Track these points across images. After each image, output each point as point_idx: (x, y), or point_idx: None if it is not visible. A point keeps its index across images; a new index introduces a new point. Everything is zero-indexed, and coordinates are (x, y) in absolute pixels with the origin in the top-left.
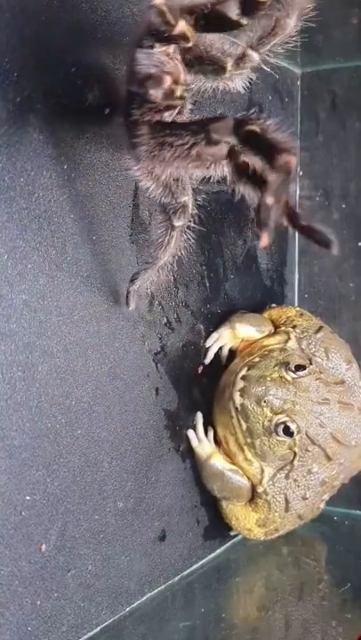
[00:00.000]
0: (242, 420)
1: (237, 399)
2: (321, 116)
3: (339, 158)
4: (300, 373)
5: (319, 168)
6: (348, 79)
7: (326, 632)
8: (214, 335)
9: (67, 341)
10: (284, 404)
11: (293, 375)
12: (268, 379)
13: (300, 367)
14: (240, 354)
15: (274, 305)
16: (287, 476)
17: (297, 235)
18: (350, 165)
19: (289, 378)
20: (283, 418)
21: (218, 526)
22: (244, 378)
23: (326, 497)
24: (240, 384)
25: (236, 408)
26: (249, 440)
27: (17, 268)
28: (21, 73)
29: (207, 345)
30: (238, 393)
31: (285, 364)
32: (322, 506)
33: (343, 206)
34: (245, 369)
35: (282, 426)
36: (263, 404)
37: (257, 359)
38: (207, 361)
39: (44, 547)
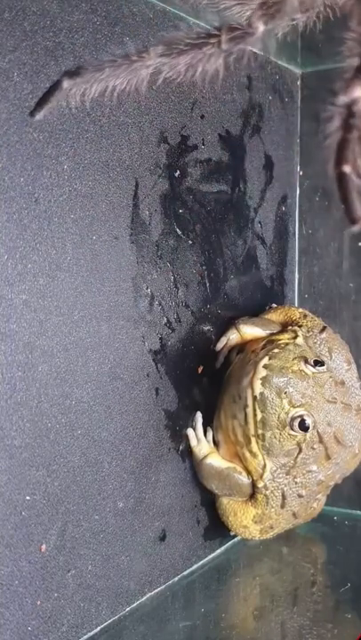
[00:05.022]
0: (258, 410)
1: (258, 387)
2: (321, 116)
3: None
4: (320, 369)
5: (319, 168)
6: None
7: (324, 634)
8: (223, 339)
9: (67, 341)
10: (303, 397)
11: (313, 370)
12: (290, 370)
13: (318, 362)
14: (249, 347)
15: (274, 305)
16: (288, 473)
17: (297, 235)
18: None
19: (309, 372)
20: (300, 411)
21: (218, 526)
22: (266, 367)
23: (320, 497)
24: (262, 372)
25: (255, 397)
26: (260, 431)
27: (17, 268)
28: (21, 73)
29: (217, 349)
30: (260, 381)
31: (304, 359)
32: (315, 505)
33: (343, 206)
34: (267, 358)
35: (298, 419)
36: (283, 395)
37: (276, 350)
38: (218, 365)
39: (44, 547)
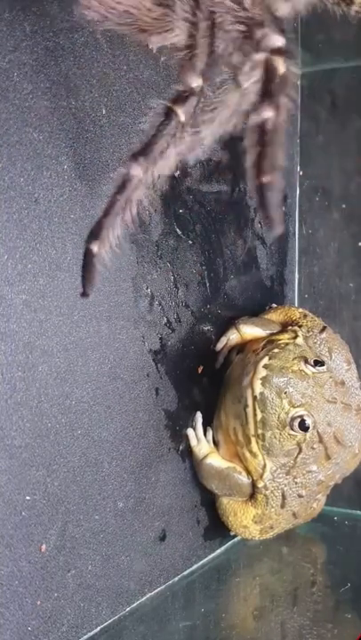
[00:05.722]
0: (258, 410)
1: (258, 387)
2: (321, 116)
3: (339, 158)
4: (320, 369)
5: (319, 168)
6: (348, 79)
7: (324, 634)
8: (223, 339)
9: (67, 341)
10: (303, 397)
11: (313, 370)
12: (290, 370)
13: (318, 362)
14: (249, 347)
15: (274, 305)
16: (288, 473)
17: (297, 235)
18: (350, 165)
19: (309, 372)
20: (300, 411)
21: (218, 526)
22: (266, 367)
23: (320, 497)
24: (262, 372)
25: (255, 397)
26: (260, 431)
27: (17, 268)
28: (20, 73)
29: (217, 349)
30: (260, 381)
31: (304, 358)
32: (315, 505)
33: (343, 206)
34: (267, 358)
35: (298, 419)
36: (283, 395)
37: (276, 350)
38: (218, 365)
39: (44, 547)
